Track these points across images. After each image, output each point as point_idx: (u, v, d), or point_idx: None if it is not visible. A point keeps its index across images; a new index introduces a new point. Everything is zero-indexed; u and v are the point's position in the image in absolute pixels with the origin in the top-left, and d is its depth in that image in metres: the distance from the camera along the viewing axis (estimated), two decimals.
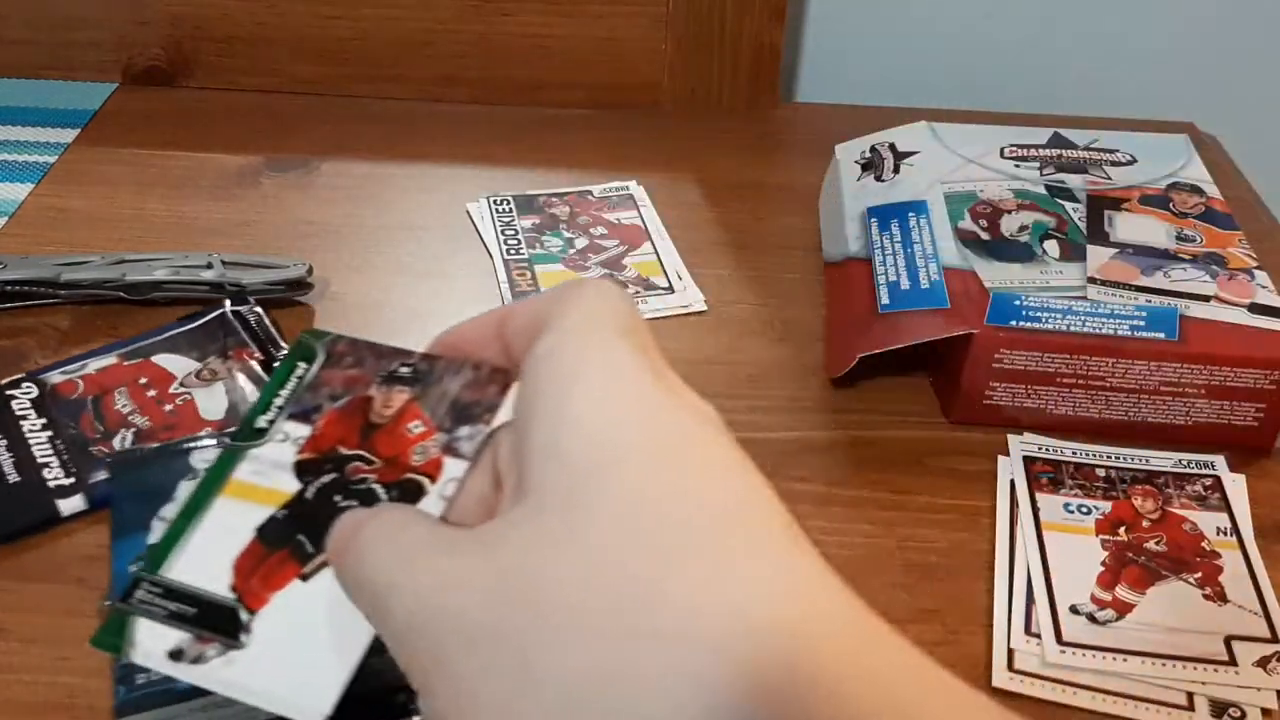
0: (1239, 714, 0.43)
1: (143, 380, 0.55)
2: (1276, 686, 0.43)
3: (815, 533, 0.50)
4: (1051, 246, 0.58)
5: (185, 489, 0.47)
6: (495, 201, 0.70)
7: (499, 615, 0.27)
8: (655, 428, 0.30)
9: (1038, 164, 0.65)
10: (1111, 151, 0.66)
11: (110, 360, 0.56)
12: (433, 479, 0.37)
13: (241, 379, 0.55)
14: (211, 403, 0.54)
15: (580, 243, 0.67)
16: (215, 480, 0.40)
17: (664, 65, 0.79)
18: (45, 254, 0.62)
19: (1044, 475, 0.52)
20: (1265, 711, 0.43)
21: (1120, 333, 0.53)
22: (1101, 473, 0.52)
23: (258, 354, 0.56)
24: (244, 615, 0.37)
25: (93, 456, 0.51)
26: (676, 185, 0.73)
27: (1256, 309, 0.55)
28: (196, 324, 0.58)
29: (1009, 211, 0.61)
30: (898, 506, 0.52)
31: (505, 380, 0.39)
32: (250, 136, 0.76)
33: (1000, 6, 0.81)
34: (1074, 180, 0.63)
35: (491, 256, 0.66)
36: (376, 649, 0.33)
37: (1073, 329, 0.54)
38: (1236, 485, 0.52)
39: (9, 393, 0.53)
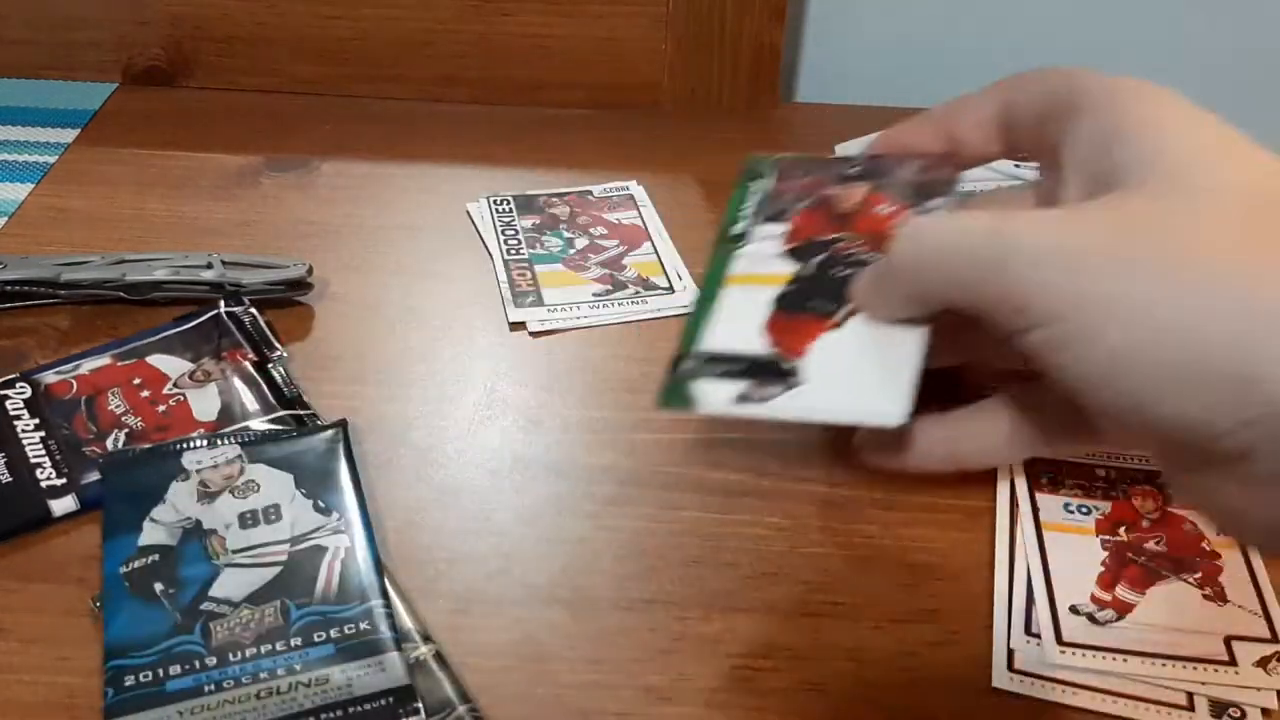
0: (1239, 714, 0.42)
1: (136, 381, 0.54)
2: (1276, 686, 0.43)
3: (815, 532, 0.50)
4: None
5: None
6: (495, 201, 0.70)
7: (1127, 247, 0.33)
8: (1240, 144, 0.36)
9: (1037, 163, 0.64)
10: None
11: (104, 361, 0.55)
12: None
13: (235, 380, 0.55)
14: (204, 404, 0.54)
15: (580, 243, 0.67)
16: (715, 279, 0.48)
17: (664, 65, 0.79)
18: (45, 254, 0.62)
19: (1044, 475, 0.52)
20: (1265, 711, 0.42)
21: None
22: (1101, 472, 0.52)
23: (252, 355, 0.56)
24: (789, 363, 0.44)
25: (85, 457, 0.51)
26: (676, 185, 0.72)
27: None
28: (191, 325, 0.57)
29: None
30: (898, 506, 0.51)
31: (955, 162, 0.48)
32: (250, 136, 0.76)
33: (1001, 7, 0.81)
34: None
35: (491, 256, 0.66)
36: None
37: None
38: None
39: (2, 393, 0.53)
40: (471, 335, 0.60)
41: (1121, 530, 0.49)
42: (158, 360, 0.56)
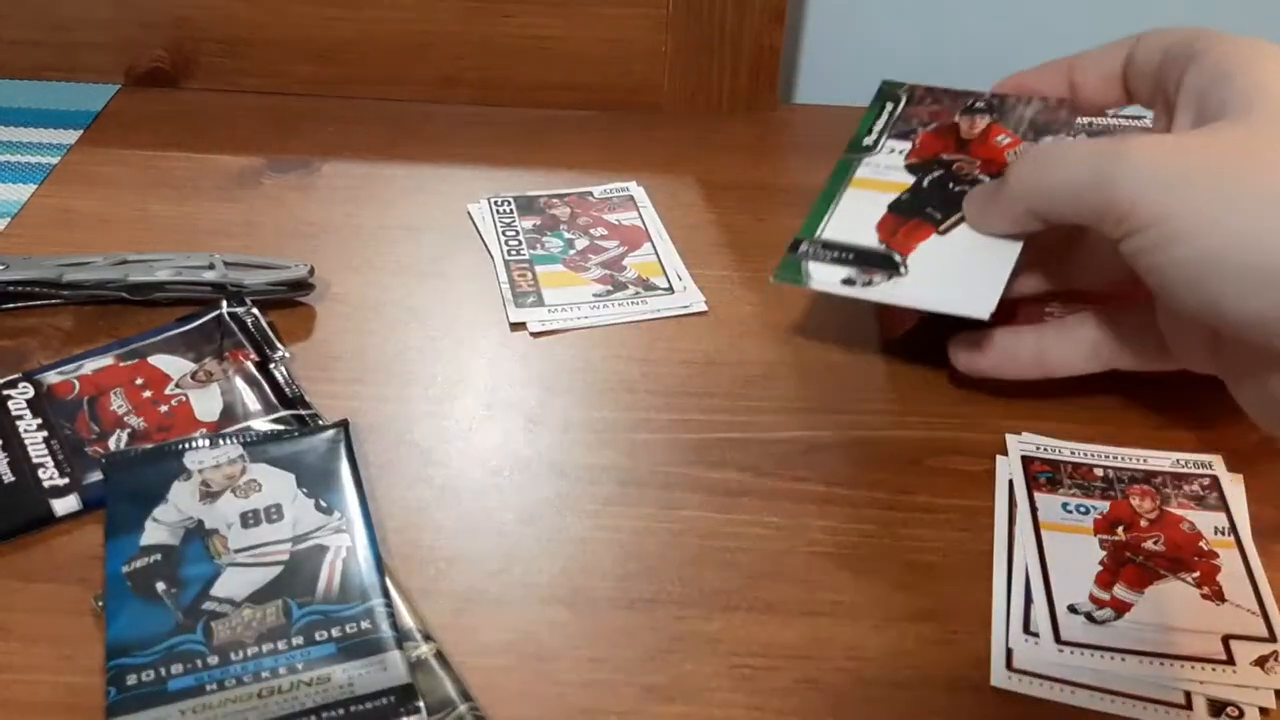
0: (1237, 713, 0.42)
1: (139, 381, 0.55)
2: (1274, 685, 0.43)
3: (815, 532, 0.50)
4: None
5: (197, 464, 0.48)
6: (496, 202, 0.70)
7: (1219, 167, 0.39)
8: None
9: (1064, 132, 0.66)
10: (1139, 118, 0.71)
11: (106, 361, 0.56)
12: None
13: (237, 380, 0.55)
14: (207, 404, 0.54)
15: (581, 243, 0.67)
16: (839, 179, 0.54)
17: (664, 66, 0.79)
18: (48, 254, 0.62)
19: (1042, 475, 0.52)
20: (1263, 710, 0.43)
21: None
22: (1099, 472, 0.52)
23: (253, 355, 0.56)
24: (896, 257, 0.50)
25: (88, 457, 0.51)
26: (677, 186, 0.73)
27: None
28: (193, 325, 0.58)
29: None
30: (897, 506, 0.51)
31: (1072, 107, 0.53)
32: (252, 137, 0.76)
33: (1001, 7, 0.81)
34: None
35: (492, 257, 0.66)
36: None
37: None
38: (1234, 485, 0.52)
39: (5, 393, 0.53)
40: (472, 336, 0.60)
41: (1119, 530, 0.49)
42: (160, 360, 0.56)
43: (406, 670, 0.42)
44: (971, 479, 0.53)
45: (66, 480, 0.50)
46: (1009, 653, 0.45)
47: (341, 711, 0.41)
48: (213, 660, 0.42)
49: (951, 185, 0.53)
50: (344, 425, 0.52)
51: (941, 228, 0.51)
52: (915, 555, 0.49)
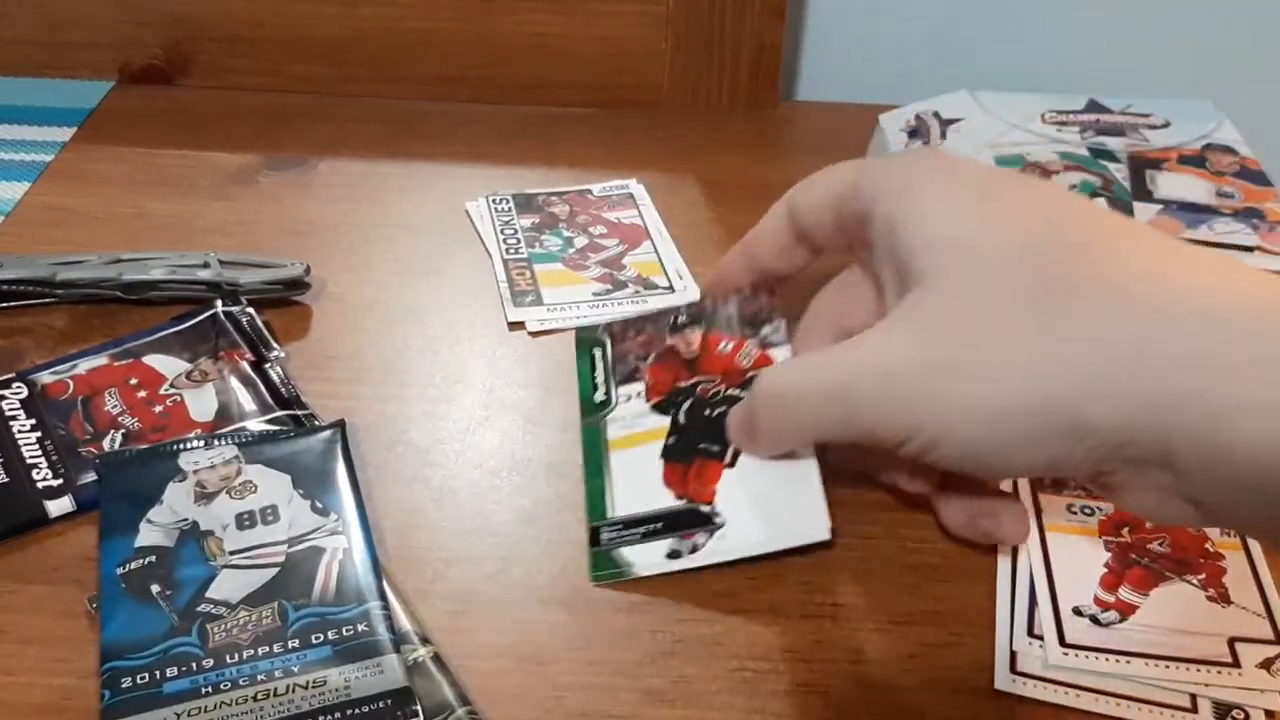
0: (1242, 716, 0.42)
1: (133, 381, 0.54)
2: None
3: None
4: (1100, 204, 0.62)
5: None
6: (494, 200, 0.69)
7: (935, 355, 0.38)
8: (992, 196, 0.40)
9: (1078, 128, 0.68)
10: (1145, 116, 0.69)
11: (101, 361, 0.55)
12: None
13: (232, 380, 0.55)
14: (202, 404, 0.53)
15: (580, 242, 0.66)
16: (596, 446, 0.51)
17: (664, 64, 0.79)
18: (42, 253, 0.61)
19: None
20: (1269, 713, 0.42)
21: None
22: None
23: (249, 355, 0.56)
24: (704, 508, 0.48)
25: (82, 458, 0.50)
26: (676, 184, 0.72)
27: None
28: (188, 324, 0.57)
29: (1056, 172, 0.64)
30: (899, 508, 0.51)
31: (767, 285, 0.52)
32: (248, 135, 0.76)
33: (1001, 7, 0.80)
34: (1113, 142, 0.67)
35: (490, 255, 0.65)
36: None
37: None
38: None
39: None
40: (470, 335, 0.60)
41: (1124, 531, 0.49)
42: (154, 360, 0.55)
43: (403, 673, 0.42)
44: (975, 480, 0.52)
45: (60, 481, 0.49)
46: (1013, 655, 0.44)
47: (338, 715, 0.40)
48: (208, 663, 0.42)
49: (709, 411, 0.50)
50: (340, 426, 0.51)
51: (726, 460, 0.48)
52: (918, 557, 0.49)
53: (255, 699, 0.41)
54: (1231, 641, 0.44)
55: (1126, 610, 0.46)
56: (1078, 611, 0.46)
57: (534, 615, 0.46)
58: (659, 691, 0.43)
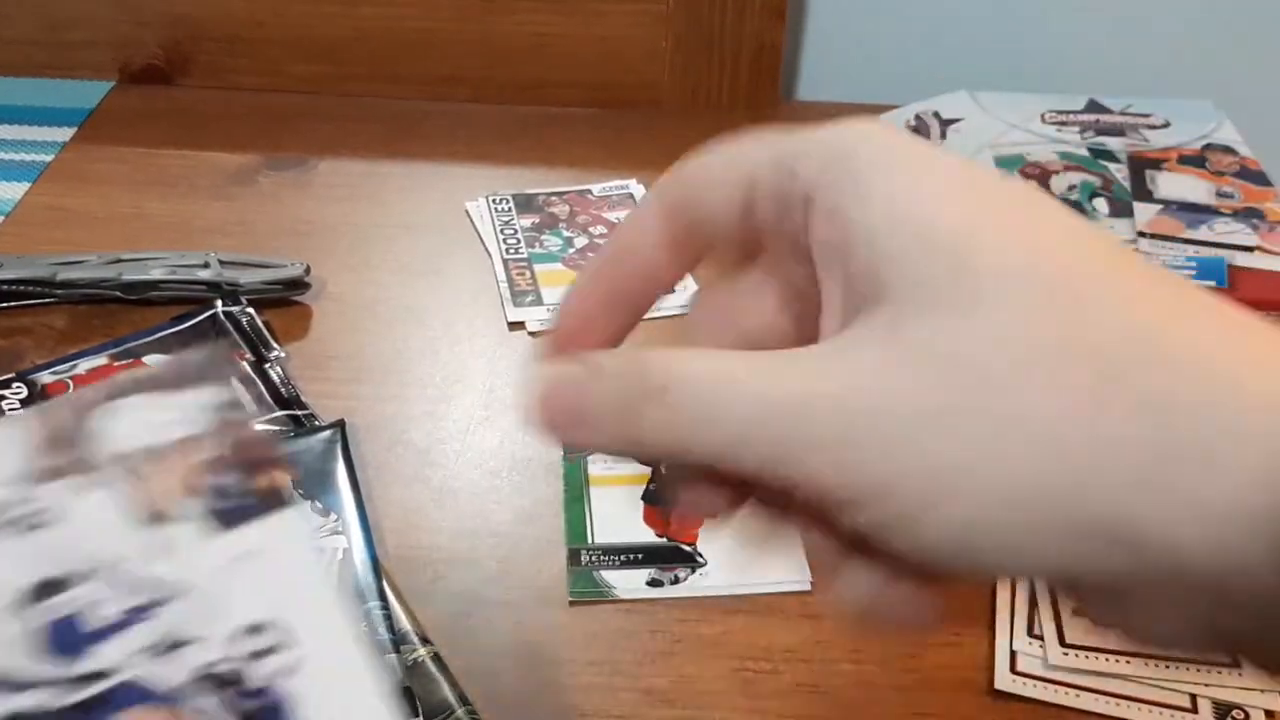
0: (1242, 716, 0.42)
1: None
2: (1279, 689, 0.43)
3: None
4: (1100, 204, 0.62)
5: None
6: (494, 200, 0.69)
7: (929, 394, 0.27)
8: (1001, 202, 0.30)
9: (1078, 128, 0.68)
10: (1145, 116, 0.69)
11: (101, 360, 0.55)
12: None
13: (232, 380, 0.55)
14: None
15: (580, 242, 0.66)
16: (576, 479, 0.51)
17: (664, 64, 0.79)
18: (42, 253, 0.61)
19: None
20: (1268, 714, 0.42)
21: None
22: None
23: (249, 355, 0.56)
24: (686, 548, 0.48)
25: None
26: None
27: None
28: (187, 324, 0.57)
29: (1056, 172, 0.64)
30: None
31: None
32: (248, 135, 0.76)
33: (1001, 7, 0.80)
34: (1113, 142, 0.67)
35: (490, 256, 0.65)
36: None
37: None
38: None
39: None
40: (470, 335, 0.60)
41: None
42: (154, 360, 0.55)
43: (403, 674, 0.42)
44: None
45: None
46: (1013, 655, 0.44)
47: None
48: None
49: None
50: (340, 426, 0.51)
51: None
52: None
53: None
54: None
55: None
56: (1078, 611, 0.46)
57: (534, 615, 0.46)
58: (659, 691, 0.43)
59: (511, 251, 0.65)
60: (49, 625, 0.22)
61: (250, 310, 0.58)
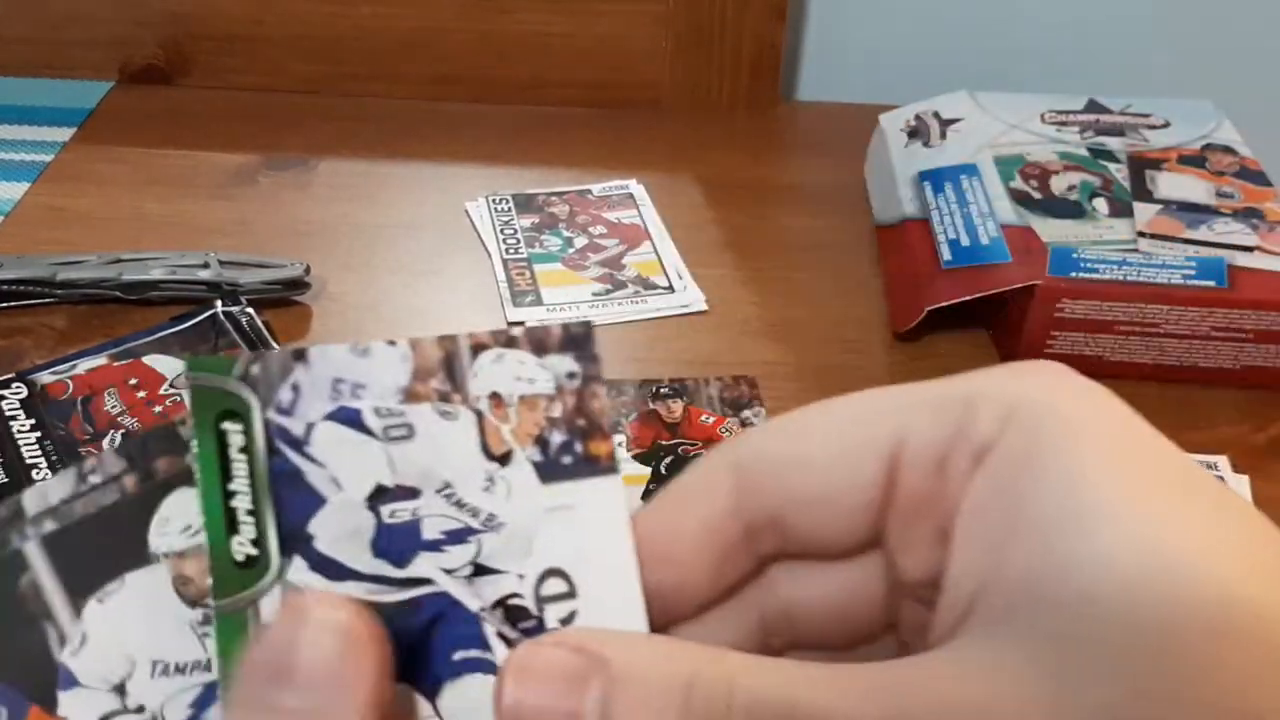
0: None
1: (132, 381, 0.54)
2: None
3: None
4: (1100, 204, 0.61)
5: None
6: (494, 200, 0.69)
7: None
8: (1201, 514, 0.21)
9: (1077, 128, 0.68)
10: (1145, 116, 0.69)
11: (100, 361, 0.55)
12: None
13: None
14: None
15: (579, 242, 0.66)
16: None
17: (664, 63, 0.79)
18: (41, 253, 0.61)
19: None
20: None
21: (1173, 282, 0.57)
22: None
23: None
24: None
25: (81, 458, 0.50)
26: (676, 184, 0.72)
27: None
28: (187, 324, 0.57)
29: (1056, 172, 0.64)
30: None
31: (752, 383, 0.55)
32: (248, 135, 0.76)
33: (1001, 7, 0.80)
34: (1113, 142, 0.66)
35: (490, 256, 0.65)
36: None
37: (1128, 279, 0.57)
38: (1240, 485, 0.51)
39: None
40: None
41: None
42: (154, 360, 0.55)
43: None
44: None
45: None
46: None
47: None
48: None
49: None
50: None
51: None
52: None
53: None
54: None
55: None
56: None
57: None
58: None
59: (511, 251, 0.65)
60: (383, 527, 0.24)
61: (250, 310, 0.58)
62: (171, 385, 0.54)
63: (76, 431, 0.51)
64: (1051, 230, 0.59)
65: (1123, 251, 0.58)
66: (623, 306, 0.62)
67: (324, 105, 0.79)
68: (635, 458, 0.53)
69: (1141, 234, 0.59)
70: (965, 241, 0.60)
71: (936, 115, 0.69)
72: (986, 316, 0.61)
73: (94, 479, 0.25)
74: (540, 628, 0.24)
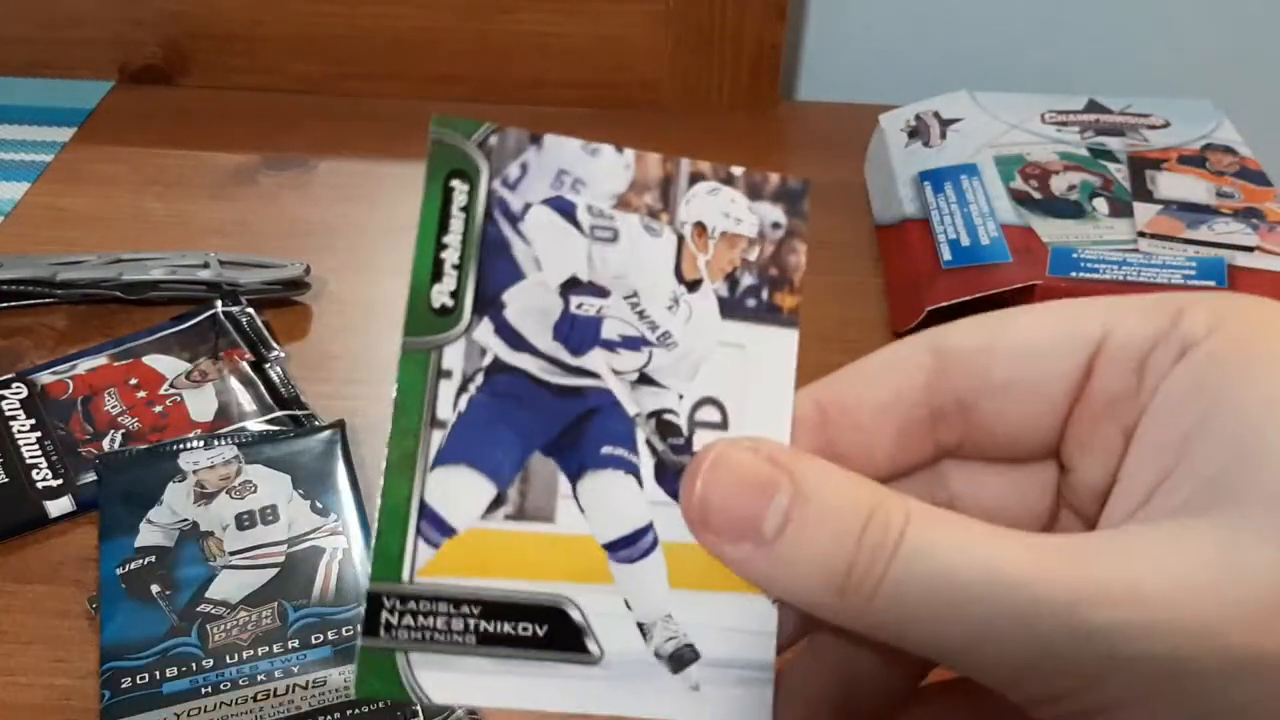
0: None
1: (133, 381, 0.54)
2: None
3: None
4: (1100, 204, 0.62)
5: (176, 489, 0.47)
6: None
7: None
8: None
9: (1077, 128, 0.68)
10: (1145, 116, 0.69)
11: (100, 360, 0.55)
12: None
13: (232, 380, 0.55)
14: (201, 404, 0.53)
15: None
16: None
17: (664, 63, 0.79)
18: (41, 253, 0.61)
19: None
20: None
21: (1173, 282, 0.57)
22: None
23: (249, 355, 0.56)
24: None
25: (82, 458, 0.50)
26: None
27: None
28: (187, 324, 0.57)
29: (1056, 172, 0.64)
30: None
31: None
32: (248, 135, 0.76)
33: (1001, 7, 0.80)
34: (1113, 142, 0.66)
35: None
36: None
37: (1129, 279, 0.57)
38: None
39: None
40: None
41: None
42: (154, 360, 0.55)
43: None
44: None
45: (60, 481, 0.49)
46: None
47: (338, 715, 0.40)
48: (208, 664, 0.42)
49: None
50: (340, 426, 0.51)
51: None
52: None
53: (255, 699, 0.41)
54: None
55: None
56: None
57: None
58: None
59: None
60: (569, 315, 0.26)
61: (250, 310, 0.58)
62: (172, 385, 0.54)
63: (77, 431, 0.52)
64: (1051, 230, 0.59)
65: (1123, 251, 0.58)
66: None
67: (324, 105, 0.79)
68: None
69: (1141, 234, 0.59)
70: (965, 241, 0.60)
71: (936, 115, 0.69)
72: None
73: None
74: (687, 448, 0.26)
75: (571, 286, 0.26)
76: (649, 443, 0.26)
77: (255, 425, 0.52)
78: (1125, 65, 0.82)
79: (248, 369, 0.55)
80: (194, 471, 0.49)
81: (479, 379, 0.26)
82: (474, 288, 0.26)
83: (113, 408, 0.53)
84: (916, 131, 0.69)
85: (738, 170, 0.27)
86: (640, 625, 0.25)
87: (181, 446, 0.50)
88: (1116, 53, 0.82)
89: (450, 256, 0.26)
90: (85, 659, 0.43)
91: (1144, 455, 0.23)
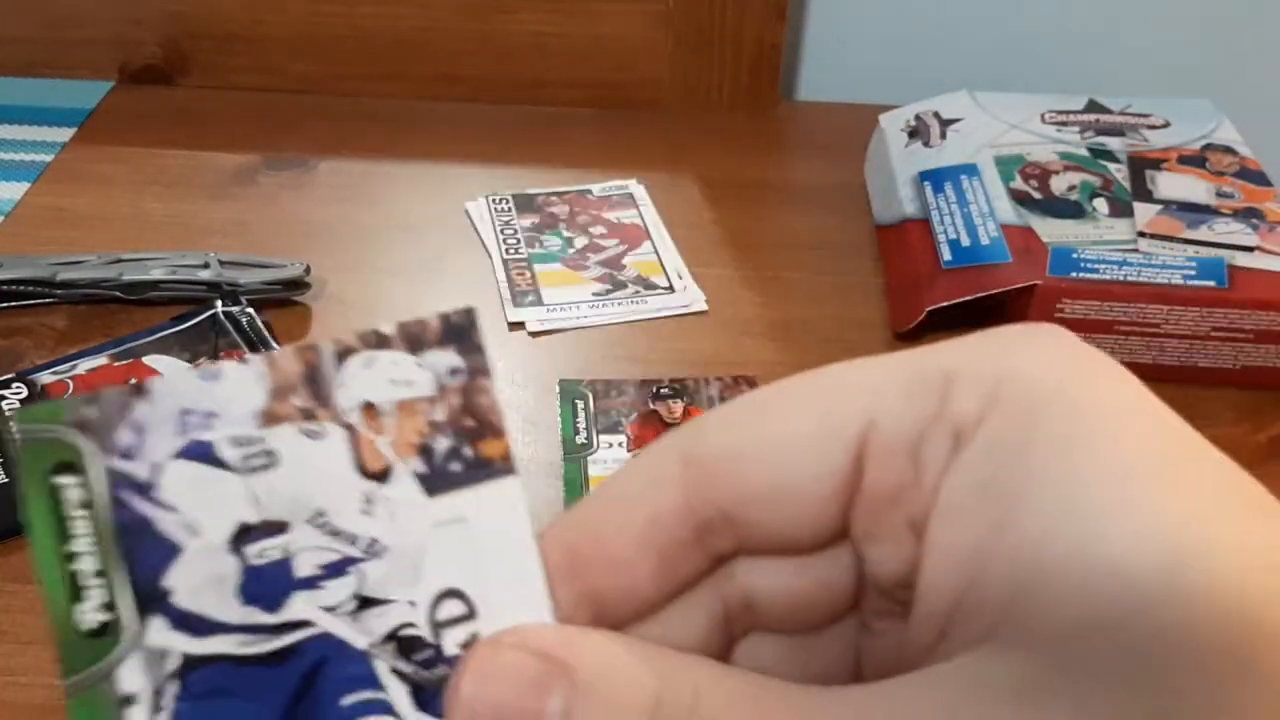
0: None
1: (133, 381, 0.54)
2: None
3: None
4: (1100, 204, 0.62)
5: None
6: (494, 200, 0.69)
7: None
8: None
9: (1078, 128, 0.68)
10: (1145, 116, 0.69)
11: (101, 361, 0.55)
12: None
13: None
14: None
15: (580, 242, 0.66)
16: (575, 479, 0.51)
17: (664, 63, 0.79)
18: (41, 253, 0.61)
19: None
20: None
21: (1173, 282, 0.57)
22: None
23: (249, 355, 0.56)
24: None
25: None
26: (677, 184, 0.72)
27: None
28: (187, 324, 0.57)
29: (1056, 172, 0.64)
30: None
31: (752, 383, 0.52)
32: (248, 135, 0.76)
33: (1001, 7, 0.80)
34: (1113, 142, 0.67)
35: (490, 256, 0.65)
36: None
37: (1129, 279, 0.57)
38: None
39: None
40: None
41: None
42: (154, 361, 0.55)
43: None
44: None
45: None
46: None
47: None
48: None
49: None
50: None
51: None
52: None
53: None
54: None
55: None
56: None
57: None
58: None
59: (511, 251, 0.65)
60: (251, 569, 0.22)
61: (250, 310, 0.58)
62: None
63: None
64: (1051, 230, 0.60)
65: (1123, 251, 0.58)
66: (623, 307, 0.62)
67: (324, 105, 0.79)
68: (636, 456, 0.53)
69: (1141, 234, 0.59)
70: (965, 241, 0.60)
71: (936, 115, 0.69)
72: (986, 317, 0.61)
73: None
74: (439, 657, 0.22)
75: (242, 537, 0.22)
76: (395, 671, 0.22)
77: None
78: (1125, 65, 0.82)
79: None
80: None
81: (171, 689, 0.21)
82: (130, 588, 0.21)
83: None
84: (916, 131, 0.69)
85: (388, 328, 0.22)
86: None
87: None
88: (1116, 53, 0.82)
89: (86, 565, 0.21)
90: None
91: (938, 572, 0.20)
